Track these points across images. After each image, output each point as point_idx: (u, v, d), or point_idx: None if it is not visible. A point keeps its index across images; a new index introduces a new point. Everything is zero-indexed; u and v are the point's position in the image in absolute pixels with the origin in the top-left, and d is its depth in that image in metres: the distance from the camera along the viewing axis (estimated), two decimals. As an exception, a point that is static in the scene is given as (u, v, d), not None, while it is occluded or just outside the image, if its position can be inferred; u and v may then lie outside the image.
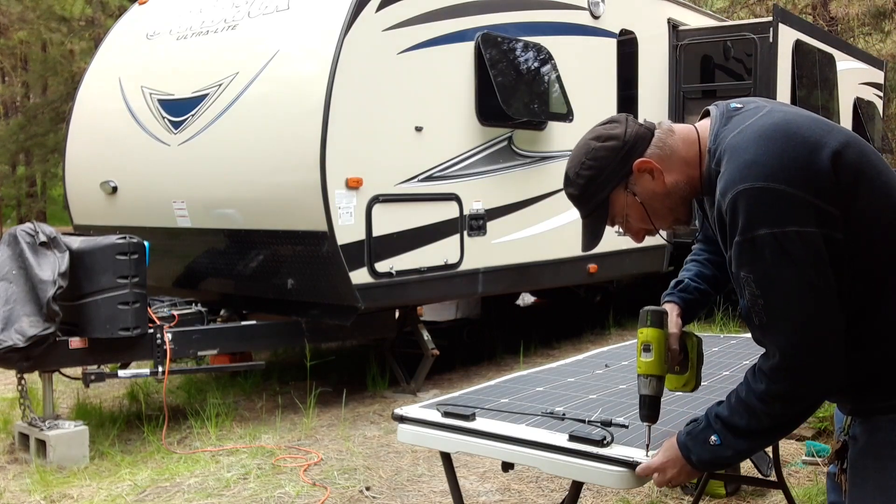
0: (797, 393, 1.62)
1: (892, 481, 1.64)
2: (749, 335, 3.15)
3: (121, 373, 4.79)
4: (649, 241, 2.00)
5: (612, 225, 1.87)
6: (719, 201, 1.63)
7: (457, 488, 2.37)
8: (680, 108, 7.84)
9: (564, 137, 6.33)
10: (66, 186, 6.68)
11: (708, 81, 8.38)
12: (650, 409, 1.89)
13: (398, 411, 2.30)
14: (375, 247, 5.09)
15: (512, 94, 5.95)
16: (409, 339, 5.96)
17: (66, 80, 17.71)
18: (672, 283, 2.16)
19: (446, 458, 2.33)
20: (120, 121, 6.07)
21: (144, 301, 4.67)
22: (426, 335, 5.82)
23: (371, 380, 5.90)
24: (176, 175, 5.64)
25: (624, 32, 7.22)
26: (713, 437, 1.70)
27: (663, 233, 1.90)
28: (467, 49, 5.70)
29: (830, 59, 9.14)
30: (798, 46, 8.12)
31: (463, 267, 5.67)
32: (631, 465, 1.83)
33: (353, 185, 4.96)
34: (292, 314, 5.45)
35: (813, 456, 4.10)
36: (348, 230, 4.95)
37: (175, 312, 5.19)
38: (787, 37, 7.90)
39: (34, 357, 4.29)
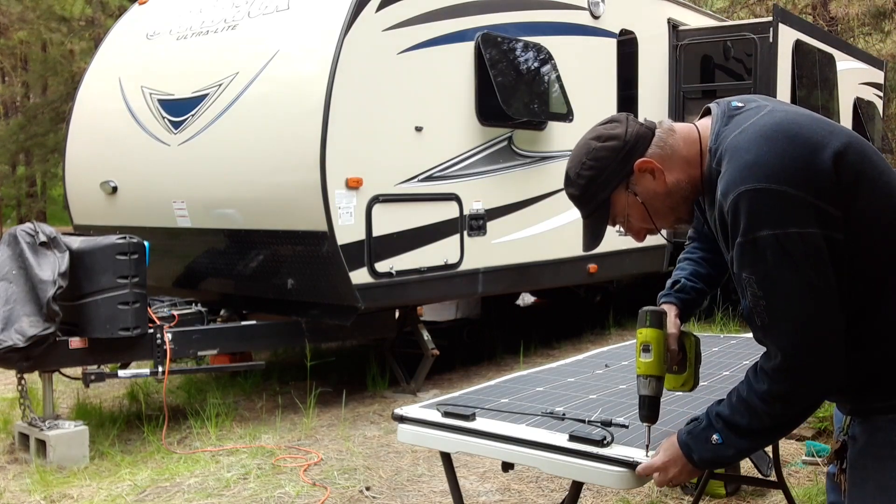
0: (798, 393, 1.62)
1: (892, 481, 1.64)
2: (749, 335, 3.16)
3: (121, 373, 4.79)
4: (649, 241, 2.00)
5: (614, 225, 1.87)
6: (720, 202, 1.63)
7: (457, 488, 2.37)
8: (680, 108, 7.84)
9: (564, 137, 6.33)
10: (66, 186, 6.68)
11: (708, 81, 8.38)
12: (650, 409, 1.90)
13: (398, 411, 2.30)
14: (375, 247, 5.09)
15: (512, 94, 5.95)
16: (409, 339, 5.96)
17: (66, 80, 17.71)
18: (668, 282, 2.16)
19: (446, 458, 2.33)
20: (120, 121, 6.07)
21: (144, 301, 4.67)
22: (426, 335, 5.82)
23: (371, 380, 5.90)
24: (176, 175, 5.64)
25: (624, 32, 7.22)
26: (715, 437, 1.70)
27: (664, 232, 1.90)
28: (467, 49, 5.70)
29: (830, 59, 9.14)
30: (798, 46, 8.12)
31: (463, 267, 5.67)
32: (631, 465, 1.83)
33: (353, 185, 4.96)
34: (292, 314, 5.45)
35: (813, 456, 4.10)
36: (348, 230, 4.95)
37: (175, 312, 5.19)
38: (787, 37, 7.90)
39: (34, 357, 4.29)
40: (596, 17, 6.84)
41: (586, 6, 6.75)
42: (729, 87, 8.25)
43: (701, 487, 3.29)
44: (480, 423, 2.16)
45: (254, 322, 5.51)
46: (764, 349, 1.67)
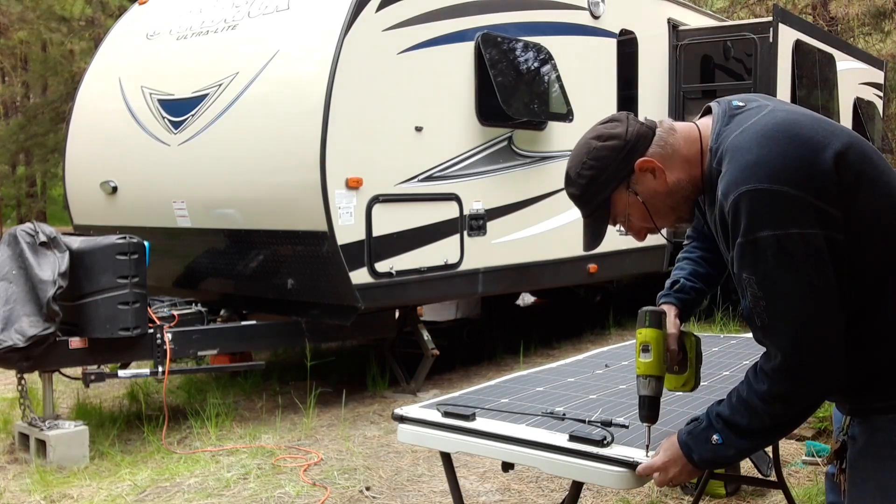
0: (798, 393, 1.62)
1: (892, 481, 1.64)
2: (749, 335, 3.16)
3: (121, 373, 4.79)
4: (649, 241, 2.00)
5: (614, 224, 1.87)
6: (721, 202, 1.63)
7: (457, 488, 2.37)
8: (680, 108, 7.84)
9: (564, 137, 6.33)
10: (66, 186, 6.68)
11: (708, 81, 8.38)
12: (649, 409, 1.89)
13: (398, 411, 2.30)
14: (375, 247, 5.09)
15: (512, 94, 5.95)
16: (409, 339, 5.96)
17: (66, 80, 17.71)
18: (667, 283, 2.16)
19: (446, 458, 2.33)
20: (120, 121, 6.07)
21: (144, 301, 4.67)
22: (426, 335, 5.82)
23: (371, 380, 5.90)
24: (176, 175, 5.64)
25: (624, 32, 7.22)
26: (715, 437, 1.70)
27: (664, 231, 1.90)
28: (467, 49, 5.70)
29: (830, 59, 9.14)
30: (798, 46, 8.12)
31: (463, 267, 5.67)
32: (631, 465, 1.83)
33: (353, 185, 4.96)
34: (292, 314, 5.45)
35: (813, 456, 4.10)
36: (348, 230, 4.95)
37: (175, 312, 5.19)
38: (787, 37, 7.90)
39: (34, 357, 4.29)
40: (596, 17, 6.84)
41: (586, 6, 6.75)
42: (729, 87, 8.25)
43: (701, 487, 3.29)
44: (480, 423, 2.15)
45: (254, 322, 5.50)
46: (764, 349, 1.67)
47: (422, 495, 3.85)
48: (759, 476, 3.63)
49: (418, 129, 5.36)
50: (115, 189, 6.08)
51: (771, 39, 7.57)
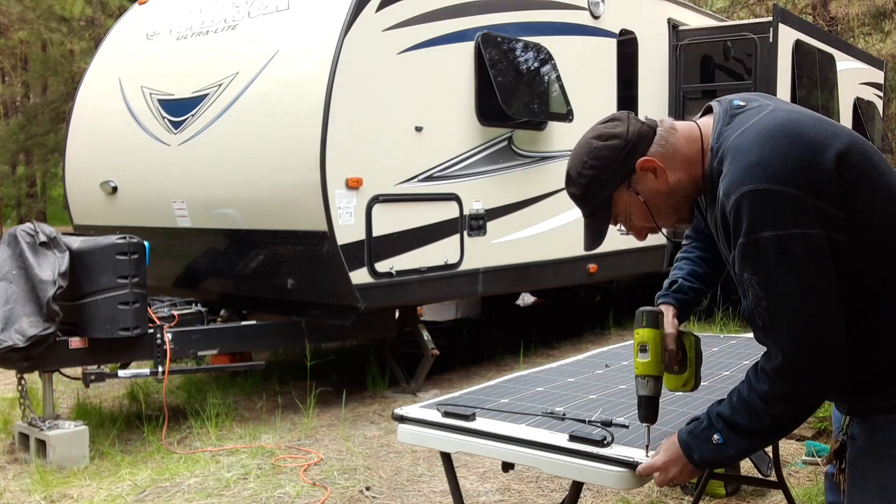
0: (799, 393, 1.62)
1: (892, 481, 1.64)
2: (749, 335, 3.16)
3: (121, 373, 4.79)
4: (649, 240, 2.00)
5: (615, 224, 1.87)
6: (722, 202, 1.62)
7: (457, 488, 2.37)
8: (680, 108, 7.84)
9: (564, 137, 6.33)
10: (66, 186, 6.68)
11: (708, 81, 8.38)
12: (648, 409, 1.89)
13: (398, 411, 2.30)
14: (375, 247, 5.09)
15: (512, 94, 5.95)
16: (409, 339, 5.95)
17: (66, 80, 17.71)
18: (666, 283, 2.16)
19: (446, 458, 2.33)
20: (120, 121, 6.07)
21: (144, 301, 4.67)
22: (426, 335, 5.82)
23: (371, 380, 5.90)
24: (176, 175, 5.64)
25: (624, 32, 7.22)
26: (715, 437, 1.69)
27: (664, 230, 1.89)
28: (467, 49, 5.70)
29: (830, 59, 9.14)
30: (798, 46, 8.12)
31: (463, 267, 5.67)
32: (631, 465, 1.83)
33: (353, 185, 4.96)
34: (292, 314, 5.45)
35: (813, 456, 4.10)
36: (348, 230, 4.95)
37: (175, 312, 5.19)
38: (787, 37, 7.90)
39: (34, 357, 4.29)
40: (596, 17, 6.84)
41: (586, 6, 6.75)
42: (729, 87, 8.24)
43: (701, 487, 3.29)
44: (480, 423, 2.15)
45: (254, 322, 5.50)
46: (764, 349, 1.67)
47: (422, 495, 3.85)
48: (759, 476, 3.63)
49: (418, 129, 5.36)
50: (115, 189, 6.08)
51: (771, 39, 7.57)
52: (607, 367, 2.88)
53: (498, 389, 2.55)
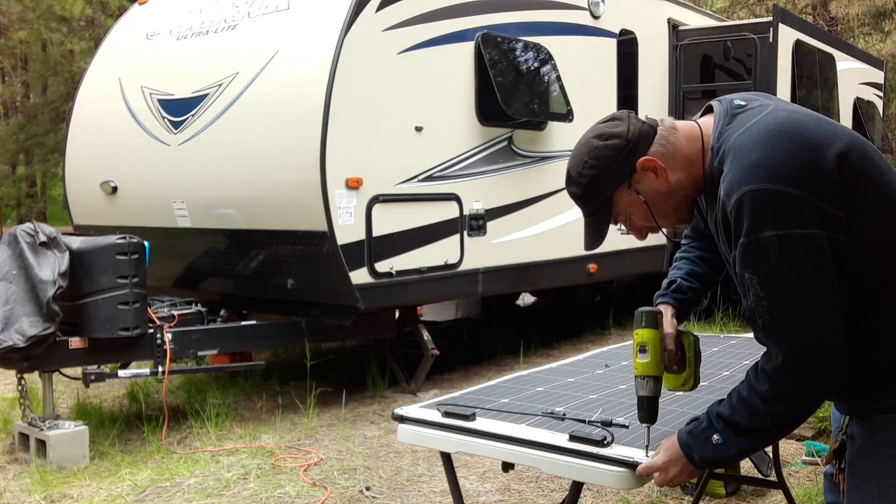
0: (799, 393, 1.62)
1: (892, 481, 1.64)
2: (749, 335, 3.16)
3: (121, 373, 4.79)
4: (649, 240, 2.00)
5: (616, 223, 1.87)
6: (724, 201, 1.62)
7: (457, 488, 2.37)
8: (680, 108, 7.84)
9: (564, 137, 6.33)
10: (66, 186, 6.68)
11: (708, 81, 8.38)
12: (648, 409, 1.89)
13: (398, 411, 2.30)
14: (375, 247, 5.09)
15: (512, 94, 5.95)
16: (409, 339, 5.95)
17: (66, 80, 17.71)
18: (664, 282, 2.16)
19: (446, 458, 2.33)
20: (120, 121, 6.07)
21: (144, 301, 4.67)
22: (426, 335, 5.81)
23: (371, 380, 5.90)
24: (176, 175, 5.64)
25: (624, 32, 7.22)
26: (715, 437, 1.69)
27: (664, 230, 1.89)
28: (467, 49, 5.70)
29: (830, 59, 9.14)
30: (798, 46, 8.12)
31: (463, 267, 5.67)
32: (631, 465, 1.83)
33: (353, 185, 4.96)
34: (292, 314, 5.45)
35: (813, 456, 4.10)
36: (348, 230, 4.95)
37: (175, 312, 5.19)
38: (787, 37, 7.90)
39: (34, 357, 4.29)
40: (596, 17, 6.84)
41: (586, 6, 6.75)
42: (729, 87, 8.24)
43: (701, 487, 3.29)
44: (480, 423, 2.15)
45: (254, 322, 5.50)
46: (764, 349, 1.67)
47: (422, 495, 3.85)
48: (759, 476, 3.63)
49: (418, 129, 5.36)
50: (115, 189, 6.08)
51: (771, 39, 7.57)
52: (607, 367, 2.88)
53: (498, 389, 2.55)
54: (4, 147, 18.64)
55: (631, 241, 1.97)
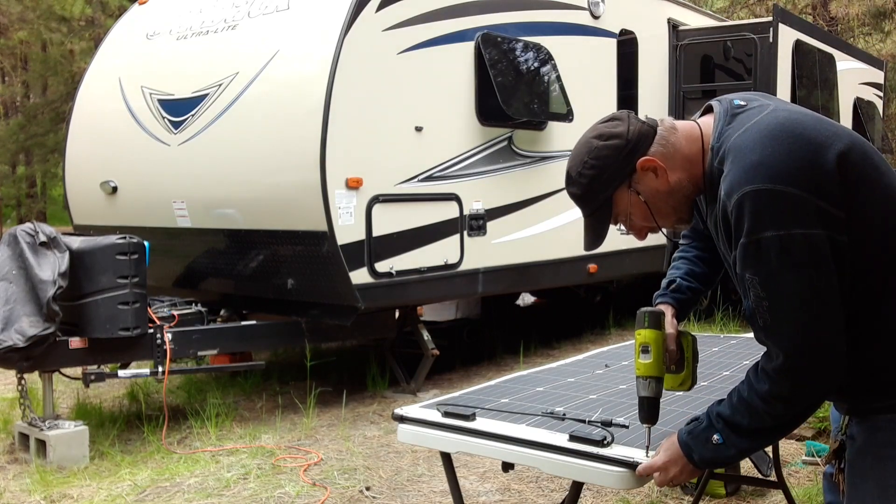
0: (799, 393, 1.62)
1: (891, 480, 1.64)
2: (749, 335, 3.16)
3: (121, 373, 4.79)
4: (649, 241, 2.00)
5: (615, 224, 1.86)
6: (724, 202, 1.62)
7: (457, 488, 2.37)
8: (680, 108, 7.84)
9: (564, 137, 6.33)
10: (66, 186, 6.68)
11: (708, 81, 8.38)
12: (649, 410, 1.89)
13: (398, 411, 2.30)
14: (375, 247, 5.09)
15: (512, 94, 5.95)
16: (409, 339, 5.95)
17: (66, 80, 17.71)
18: (664, 282, 2.16)
19: (446, 458, 2.33)
20: (120, 121, 6.07)
21: (144, 301, 4.67)
22: (426, 335, 5.81)
23: (371, 380, 5.90)
24: (176, 175, 5.64)
25: (624, 32, 7.22)
26: (715, 437, 1.69)
27: (664, 230, 1.89)
28: (467, 49, 5.70)
29: (830, 59, 9.14)
30: (798, 46, 8.12)
31: (463, 267, 5.67)
32: (631, 465, 1.83)
33: (353, 185, 4.96)
34: (292, 314, 5.45)
35: (813, 456, 4.10)
36: (348, 230, 4.95)
37: (175, 312, 5.19)
38: (787, 37, 7.90)
39: (34, 357, 4.29)
40: (596, 17, 6.84)
41: (586, 6, 6.75)
42: (729, 87, 8.23)
43: (701, 487, 3.29)
44: (480, 423, 2.15)
45: (254, 322, 5.50)
46: (765, 349, 1.67)
47: (422, 495, 3.85)
48: (759, 476, 3.63)
49: (418, 129, 5.36)
50: (115, 189, 6.08)
51: (771, 39, 7.57)
52: (607, 367, 2.88)
53: (498, 389, 2.55)
54: (4, 147, 18.64)
55: (631, 241, 1.97)
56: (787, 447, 4.32)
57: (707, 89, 8.13)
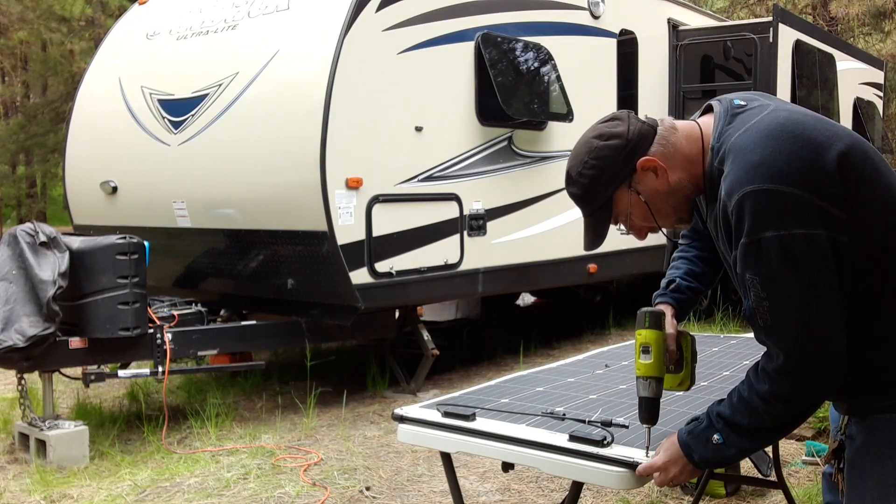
0: (799, 393, 1.62)
1: (891, 480, 1.64)
2: (749, 335, 3.16)
3: (121, 373, 4.79)
4: (649, 241, 2.00)
5: (616, 223, 1.86)
6: (724, 202, 1.62)
7: (457, 488, 2.37)
8: (680, 108, 7.84)
9: (564, 137, 6.33)
10: (66, 186, 6.68)
11: (708, 81, 8.37)
12: (650, 411, 1.89)
13: (398, 411, 2.30)
14: (375, 247, 5.09)
15: (512, 94, 5.95)
16: (409, 339, 5.95)
17: (66, 80, 17.70)
18: (663, 282, 2.16)
19: (446, 458, 2.33)
20: (120, 121, 6.07)
21: (144, 301, 4.67)
22: (426, 335, 5.81)
23: (371, 380, 5.90)
24: (176, 175, 5.64)
25: (624, 32, 7.22)
26: (715, 436, 1.70)
27: (664, 230, 1.89)
28: (467, 49, 5.70)
29: (830, 59, 9.14)
30: (798, 46, 8.12)
31: (463, 267, 5.67)
32: (631, 465, 1.83)
33: (353, 185, 4.96)
34: (292, 314, 5.45)
35: (813, 456, 4.10)
36: (348, 230, 4.95)
37: (175, 312, 5.19)
38: (787, 37, 7.90)
39: (34, 357, 4.29)
40: (596, 17, 6.84)
41: (586, 6, 6.75)
42: (729, 87, 8.23)
43: (701, 487, 3.29)
44: (480, 423, 2.16)
45: (254, 322, 5.50)
46: (765, 349, 1.67)
47: (422, 495, 3.85)
48: (759, 476, 3.63)
49: (418, 129, 5.37)
50: (115, 189, 6.08)
51: (771, 39, 7.57)
52: (607, 367, 2.88)
53: (498, 389, 2.55)
54: (4, 147, 18.64)
55: (631, 241, 1.97)
56: (787, 447, 4.32)
57: (707, 89, 8.13)
